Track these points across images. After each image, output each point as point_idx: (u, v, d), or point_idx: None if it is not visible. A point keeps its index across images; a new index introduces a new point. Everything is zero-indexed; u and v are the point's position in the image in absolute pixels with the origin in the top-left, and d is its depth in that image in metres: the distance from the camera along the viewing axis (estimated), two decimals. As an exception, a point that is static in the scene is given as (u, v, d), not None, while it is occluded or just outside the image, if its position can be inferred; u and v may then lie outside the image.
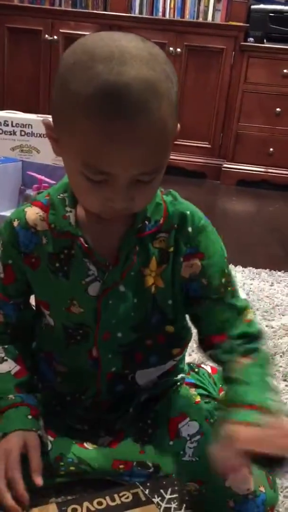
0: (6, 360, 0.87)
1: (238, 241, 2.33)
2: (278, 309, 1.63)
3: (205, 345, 0.84)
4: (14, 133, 2.30)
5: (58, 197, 0.79)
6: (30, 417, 0.81)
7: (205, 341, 0.83)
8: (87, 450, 0.85)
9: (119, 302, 0.79)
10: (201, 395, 0.92)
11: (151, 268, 0.79)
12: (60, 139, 0.68)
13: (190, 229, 0.78)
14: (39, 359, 0.92)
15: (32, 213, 0.80)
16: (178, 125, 0.69)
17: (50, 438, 0.85)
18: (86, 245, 0.77)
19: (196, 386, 0.95)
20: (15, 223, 0.80)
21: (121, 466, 0.83)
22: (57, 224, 0.78)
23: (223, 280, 0.80)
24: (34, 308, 0.90)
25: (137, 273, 0.79)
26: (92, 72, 0.60)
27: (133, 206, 0.69)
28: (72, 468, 0.83)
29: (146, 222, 0.77)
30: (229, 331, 0.80)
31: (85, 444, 0.85)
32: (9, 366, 0.86)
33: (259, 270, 1.93)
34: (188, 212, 0.79)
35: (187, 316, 0.87)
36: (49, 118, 0.70)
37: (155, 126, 0.61)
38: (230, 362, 0.77)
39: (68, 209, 0.77)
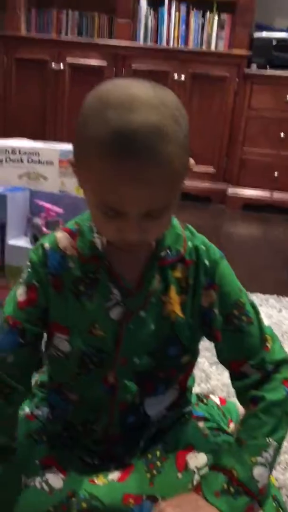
0: None
1: (244, 266, 2.32)
2: (287, 336, 1.62)
3: (227, 368, 0.87)
4: (22, 161, 2.33)
5: (86, 225, 0.83)
6: None
7: (226, 364, 0.87)
8: (98, 486, 0.84)
9: (139, 328, 0.82)
10: (210, 428, 0.93)
11: (170, 295, 0.82)
12: (79, 175, 0.74)
13: (207, 262, 0.83)
14: (50, 390, 0.93)
15: (63, 237, 0.83)
16: (192, 161, 0.73)
17: (62, 476, 0.84)
18: (112, 269, 0.80)
19: (205, 419, 0.95)
20: (46, 245, 0.83)
21: (131, 501, 0.82)
22: (85, 250, 0.82)
23: (236, 311, 0.83)
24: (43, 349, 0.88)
25: (157, 300, 0.82)
26: (104, 119, 0.66)
27: (146, 237, 0.73)
28: (84, 504, 0.82)
29: (168, 251, 0.82)
30: (248, 358, 0.83)
31: (95, 480, 0.85)
32: None
33: (266, 296, 1.93)
34: (203, 246, 0.84)
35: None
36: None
37: (162, 167, 0.66)
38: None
39: (95, 235, 0.82)
